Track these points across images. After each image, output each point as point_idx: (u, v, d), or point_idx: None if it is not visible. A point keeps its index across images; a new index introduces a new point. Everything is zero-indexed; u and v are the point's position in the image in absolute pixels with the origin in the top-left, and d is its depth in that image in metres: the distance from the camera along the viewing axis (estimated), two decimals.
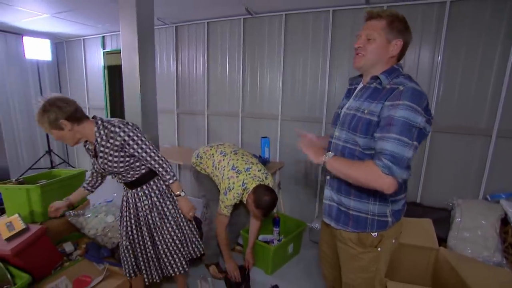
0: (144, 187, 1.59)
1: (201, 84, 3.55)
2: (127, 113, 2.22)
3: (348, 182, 1.12)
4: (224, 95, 3.44)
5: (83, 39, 4.45)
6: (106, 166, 1.47)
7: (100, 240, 1.99)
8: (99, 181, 1.75)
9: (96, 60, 4.44)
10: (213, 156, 2.17)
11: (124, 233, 1.63)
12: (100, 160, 1.46)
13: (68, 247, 1.99)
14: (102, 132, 1.41)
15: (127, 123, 1.45)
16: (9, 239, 1.65)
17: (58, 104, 1.33)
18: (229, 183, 1.97)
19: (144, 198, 1.59)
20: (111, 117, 3.84)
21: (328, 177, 1.29)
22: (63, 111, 1.34)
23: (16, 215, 1.85)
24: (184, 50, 3.62)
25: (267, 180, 2.05)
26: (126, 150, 1.43)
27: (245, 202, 2.03)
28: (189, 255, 1.75)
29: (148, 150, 1.48)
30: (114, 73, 4.35)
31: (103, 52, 4.33)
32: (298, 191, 3.16)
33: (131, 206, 1.61)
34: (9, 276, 1.53)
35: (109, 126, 1.41)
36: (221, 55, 3.36)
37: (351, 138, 1.15)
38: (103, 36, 4.27)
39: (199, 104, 3.63)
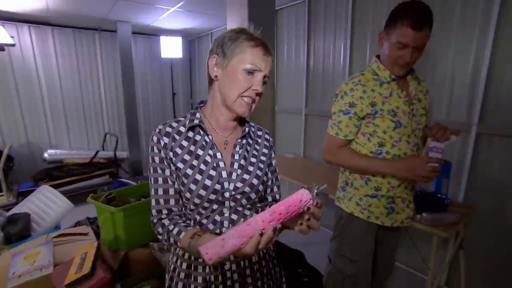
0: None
1: (340, 78, 2.60)
2: None
3: None
4: None
5: (211, 32, 4.21)
6: (245, 179, 0.79)
7: None
8: None
9: None
10: None
11: None
12: (238, 162, 0.80)
13: None
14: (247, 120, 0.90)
15: None
16: (68, 286, 1.20)
17: None
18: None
19: (259, 275, 0.84)
20: None
21: None
22: None
23: (95, 243, 1.42)
24: (319, 35, 2.74)
25: None
26: (270, 155, 0.90)
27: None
28: None
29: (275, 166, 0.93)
30: None
31: None
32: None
33: None
34: None
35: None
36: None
37: None
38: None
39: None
